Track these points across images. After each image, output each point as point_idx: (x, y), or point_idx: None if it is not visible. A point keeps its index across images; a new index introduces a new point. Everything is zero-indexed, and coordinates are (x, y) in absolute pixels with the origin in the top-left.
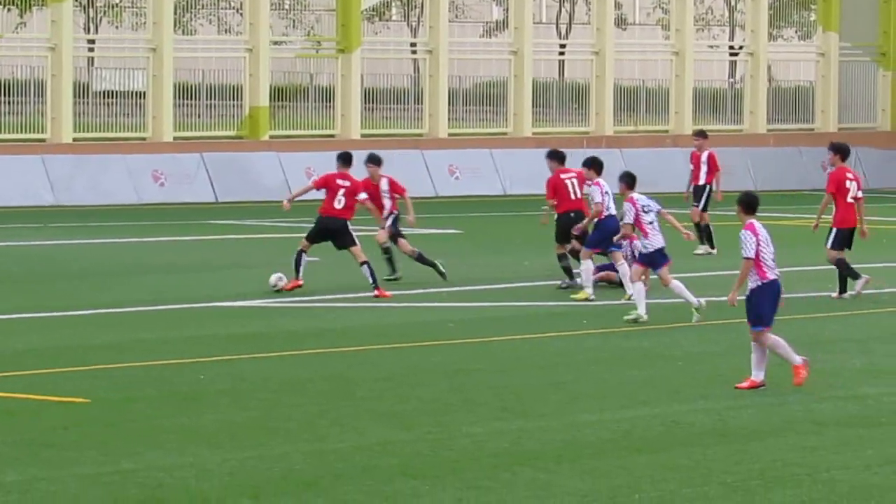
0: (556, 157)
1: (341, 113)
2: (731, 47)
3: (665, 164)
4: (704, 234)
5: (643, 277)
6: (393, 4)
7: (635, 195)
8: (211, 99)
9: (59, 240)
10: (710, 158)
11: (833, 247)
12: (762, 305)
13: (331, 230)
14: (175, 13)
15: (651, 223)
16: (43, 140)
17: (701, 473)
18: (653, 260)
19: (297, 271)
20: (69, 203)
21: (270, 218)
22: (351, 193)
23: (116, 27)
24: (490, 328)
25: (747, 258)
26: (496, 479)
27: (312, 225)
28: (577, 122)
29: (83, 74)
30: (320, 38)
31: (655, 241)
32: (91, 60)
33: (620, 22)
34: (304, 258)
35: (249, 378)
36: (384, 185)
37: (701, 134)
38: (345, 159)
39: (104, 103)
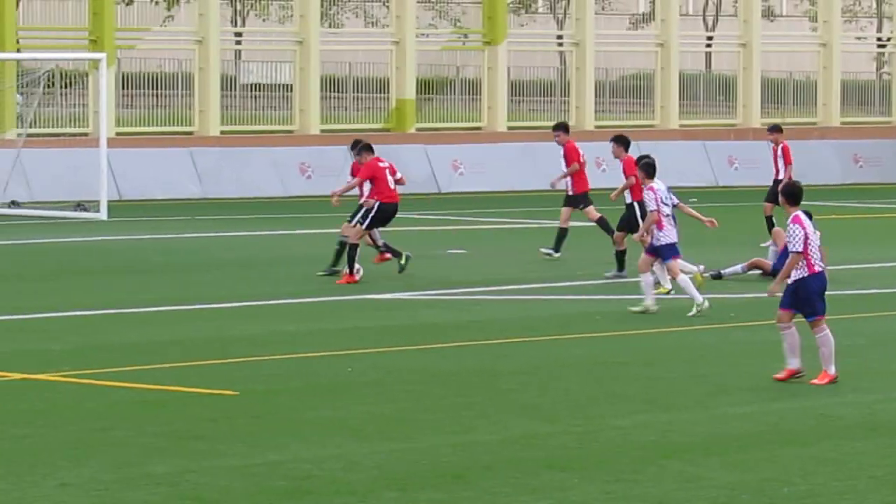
0: (624, 142)
1: (487, 105)
2: (879, 39)
3: (812, 156)
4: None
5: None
6: None
7: (656, 184)
8: (357, 92)
9: (206, 232)
10: (785, 152)
11: None
12: (812, 296)
13: (393, 214)
14: (322, 6)
15: (668, 216)
16: (190, 133)
17: (850, 467)
18: (662, 253)
19: (353, 266)
20: (216, 196)
21: (417, 211)
22: (393, 172)
23: (263, 20)
24: (636, 321)
25: (796, 252)
26: (643, 472)
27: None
28: (724, 114)
29: (230, 67)
30: (466, 31)
31: (669, 234)
32: (238, 53)
33: (768, 14)
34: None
35: (396, 370)
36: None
37: (776, 129)
38: (367, 147)
39: (251, 96)
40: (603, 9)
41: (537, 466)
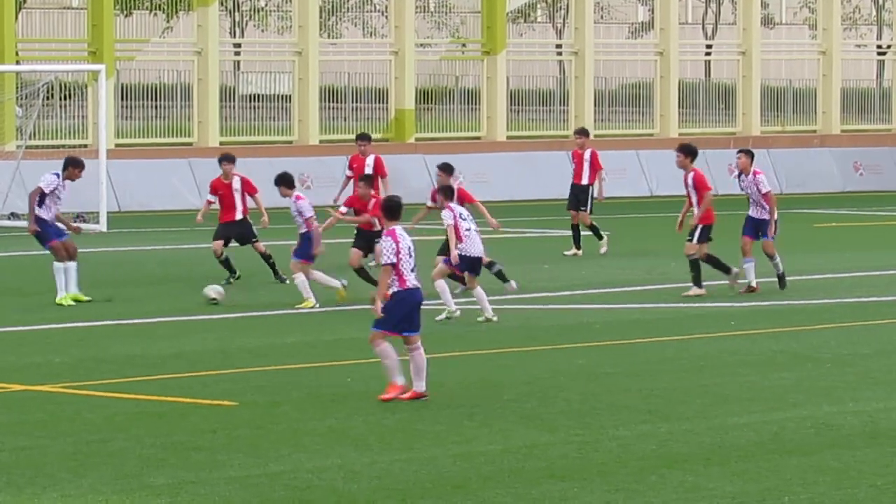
0: (691, 152)
1: (487, 115)
2: (879, 46)
3: (812, 164)
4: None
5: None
6: (538, 6)
7: (452, 203)
8: (357, 102)
9: (206, 243)
10: (593, 157)
11: None
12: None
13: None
14: (320, 17)
15: (468, 230)
16: (190, 144)
17: (851, 476)
18: (469, 266)
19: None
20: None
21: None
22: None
23: (262, 31)
24: (635, 330)
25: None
26: (644, 481)
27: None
28: (724, 122)
29: (229, 78)
30: (465, 41)
31: (471, 248)
32: (237, 64)
33: (767, 21)
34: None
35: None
36: (236, 183)
37: (583, 132)
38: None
39: (250, 107)
40: (602, 18)
41: (538, 476)
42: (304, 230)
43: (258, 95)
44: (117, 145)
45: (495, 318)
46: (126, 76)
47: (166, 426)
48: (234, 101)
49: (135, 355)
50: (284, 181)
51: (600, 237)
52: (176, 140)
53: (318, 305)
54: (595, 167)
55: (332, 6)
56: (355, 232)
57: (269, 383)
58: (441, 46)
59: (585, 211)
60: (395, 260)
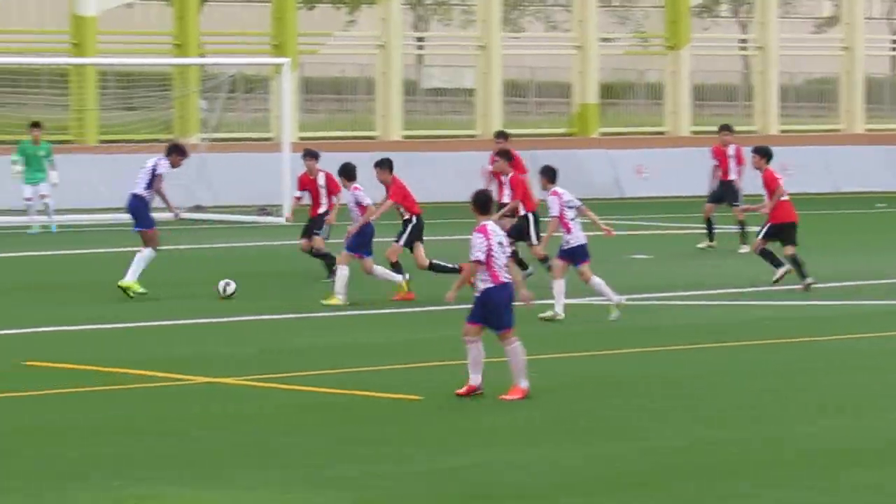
0: (767, 154)
1: (671, 110)
2: None
3: None
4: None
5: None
6: (722, 1)
7: (559, 189)
8: (539, 96)
9: (388, 237)
10: (738, 153)
11: None
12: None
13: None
14: (503, 11)
15: (573, 219)
16: (372, 138)
17: None
18: (573, 256)
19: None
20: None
21: (600, 215)
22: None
23: (445, 25)
24: (819, 327)
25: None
26: (831, 478)
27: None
28: None
29: (412, 72)
30: (649, 35)
31: (576, 238)
32: (420, 58)
33: None
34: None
35: (578, 376)
36: (321, 179)
37: (727, 129)
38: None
39: (433, 101)
40: (787, 13)
41: (721, 472)
42: (360, 223)
43: (441, 89)
44: (300, 138)
45: (561, 317)
46: (309, 69)
47: (352, 419)
48: (416, 94)
49: (319, 347)
50: (345, 172)
51: (745, 236)
52: (359, 133)
53: (346, 302)
54: (739, 163)
55: (516, 0)
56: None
57: (450, 377)
58: (624, 41)
59: (738, 206)
60: (484, 257)
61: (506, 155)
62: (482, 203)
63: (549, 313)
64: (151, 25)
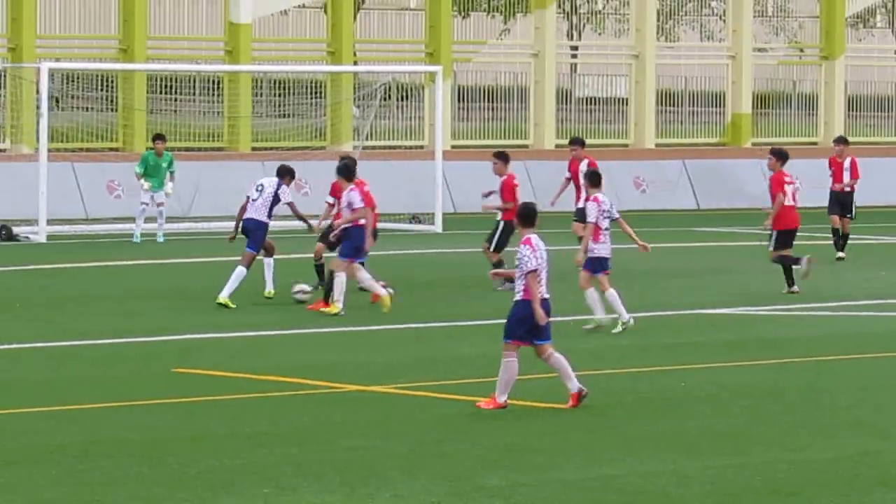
0: (781, 156)
1: (824, 120)
2: None
3: None
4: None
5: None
6: (877, 11)
7: (601, 196)
8: (693, 106)
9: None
10: (853, 165)
11: None
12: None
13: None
14: (658, 20)
15: (606, 229)
16: (526, 146)
17: None
18: (594, 265)
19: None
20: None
21: (752, 225)
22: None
23: (599, 34)
24: None
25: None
26: None
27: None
28: None
29: (566, 81)
30: (803, 45)
31: (603, 248)
32: (574, 67)
33: None
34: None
35: (729, 385)
36: None
37: (842, 141)
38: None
39: (586, 110)
40: None
41: (871, 484)
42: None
43: (594, 98)
44: (453, 147)
45: (605, 324)
46: (463, 78)
47: (500, 428)
48: (570, 103)
49: (465, 356)
50: (344, 171)
51: (842, 248)
52: (512, 142)
53: (343, 312)
54: (854, 175)
55: (670, 9)
56: None
57: (601, 387)
58: (778, 51)
59: (850, 218)
60: (537, 266)
61: (503, 157)
62: (526, 215)
63: (591, 325)
64: (305, 33)
